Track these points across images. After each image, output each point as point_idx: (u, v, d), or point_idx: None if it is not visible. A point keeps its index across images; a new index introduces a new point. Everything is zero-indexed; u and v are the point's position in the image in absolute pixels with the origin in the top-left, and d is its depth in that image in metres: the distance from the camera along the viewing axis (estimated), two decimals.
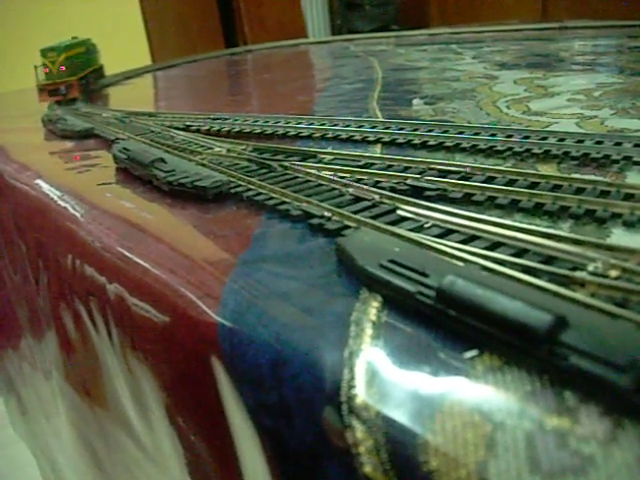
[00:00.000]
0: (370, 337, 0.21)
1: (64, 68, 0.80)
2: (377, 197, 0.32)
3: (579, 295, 0.20)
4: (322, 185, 0.36)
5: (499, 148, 0.40)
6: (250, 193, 0.36)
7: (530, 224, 0.26)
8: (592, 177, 0.32)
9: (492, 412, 0.17)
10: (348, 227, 0.29)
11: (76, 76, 0.83)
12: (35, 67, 0.79)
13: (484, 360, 0.19)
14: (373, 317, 0.22)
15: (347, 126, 0.49)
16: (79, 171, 0.50)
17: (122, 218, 0.37)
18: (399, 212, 0.30)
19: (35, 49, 0.81)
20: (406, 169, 0.37)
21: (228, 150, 0.45)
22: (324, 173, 0.37)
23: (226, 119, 0.57)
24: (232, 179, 0.38)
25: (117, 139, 0.54)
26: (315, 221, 0.31)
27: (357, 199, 0.33)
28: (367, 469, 0.19)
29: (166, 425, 0.32)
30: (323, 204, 0.32)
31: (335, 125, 0.50)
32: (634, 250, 0.22)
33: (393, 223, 0.29)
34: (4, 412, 0.95)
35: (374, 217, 0.30)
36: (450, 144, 0.42)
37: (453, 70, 0.79)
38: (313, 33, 2.78)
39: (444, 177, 0.34)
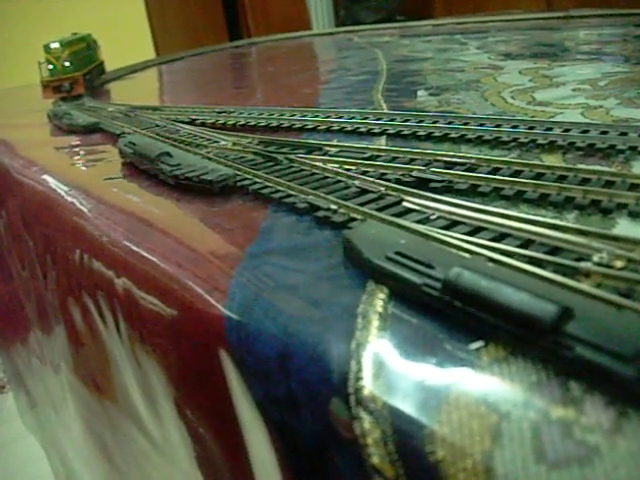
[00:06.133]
0: (377, 329, 0.21)
1: (68, 64, 0.78)
2: (383, 189, 0.32)
3: (584, 286, 0.20)
4: (328, 178, 0.36)
5: (504, 139, 0.40)
6: (256, 186, 0.36)
7: (535, 215, 0.26)
8: (597, 167, 0.32)
9: (498, 403, 0.17)
10: (354, 219, 0.29)
11: (80, 71, 0.80)
12: (39, 63, 0.77)
13: (490, 351, 0.19)
14: (380, 309, 0.22)
15: (352, 118, 0.49)
16: (85, 166, 0.51)
17: (129, 212, 0.37)
18: (405, 204, 0.30)
19: (39, 44, 0.79)
20: (411, 161, 0.37)
21: (234, 143, 0.45)
22: (330, 166, 0.37)
23: (231, 112, 0.57)
24: (238, 172, 0.38)
25: (123, 133, 0.54)
26: (321, 214, 0.31)
27: (363, 191, 0.33)
28: (374, 460, 0.19)
29: (175, 418, 0.32)
30: (329, 197, 0.32)
31: (340, 117, 0.50)
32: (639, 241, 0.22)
33: (399, 215, 0.29)
34: (14, 406, 0.95)
35: (380, 209, 0.30)
36: (455, 135, 0.42)
37: (458, 61, 0.78)
38: (317, 25, 2.77)
39: (450, 169, 0.34)
